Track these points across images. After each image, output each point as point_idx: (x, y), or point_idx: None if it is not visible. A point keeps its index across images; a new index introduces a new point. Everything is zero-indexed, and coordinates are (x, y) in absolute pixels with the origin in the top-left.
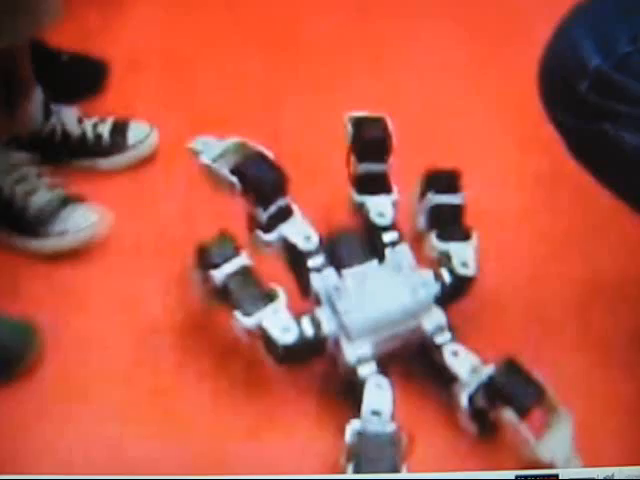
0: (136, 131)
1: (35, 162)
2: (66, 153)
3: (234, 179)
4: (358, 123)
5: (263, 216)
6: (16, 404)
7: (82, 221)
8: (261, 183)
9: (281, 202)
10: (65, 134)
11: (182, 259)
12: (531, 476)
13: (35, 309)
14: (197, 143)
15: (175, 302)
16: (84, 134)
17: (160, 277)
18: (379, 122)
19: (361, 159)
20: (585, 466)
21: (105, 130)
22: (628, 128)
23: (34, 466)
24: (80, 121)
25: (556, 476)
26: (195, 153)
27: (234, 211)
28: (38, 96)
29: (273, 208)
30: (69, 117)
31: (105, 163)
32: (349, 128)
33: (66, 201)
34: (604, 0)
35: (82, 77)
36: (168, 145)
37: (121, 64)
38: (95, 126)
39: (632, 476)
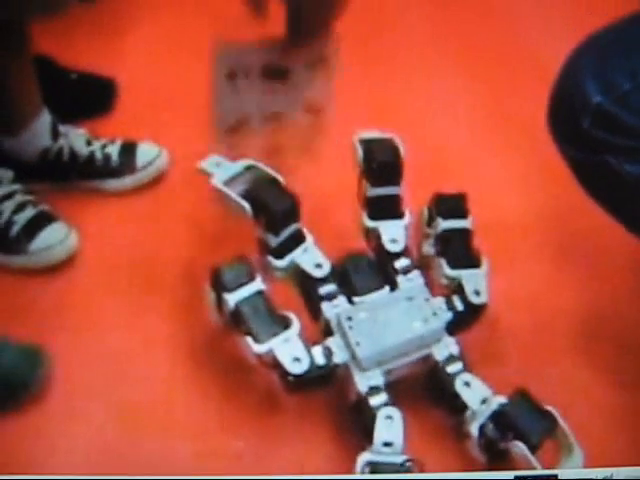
0: (145, 153)
1: (16, 179)
2: (74, 174)
3: (245, 204)
4: (368, 145)
5: (274, 242)
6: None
7: (62, 237)
8: (272, 209)
9: (293, 228)
10: (73, 154)
11: (192, 280)
12: (530, 476)
13: (38, 329)
14: (208, 164)
15: (184, 324)
16: (92, 155)
17: (168, 298)
18: (389, 143)
19: (373, 183)
20: (584, 466)
21: (114, 151)
22: (629, 160)
23: None
24: (89, 142)
25: (555, 476)
26: (206, 174)
27: (246, 235)
28: (46, 116)
29: (284, 234)
30: (77, 138)
31: (114, 184)
32: (359, 150)
33: (49, 217)
34: (606, 39)
35: (91, 96)
36: (177, 167)
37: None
38: (104, 147)
39: (631, 476)
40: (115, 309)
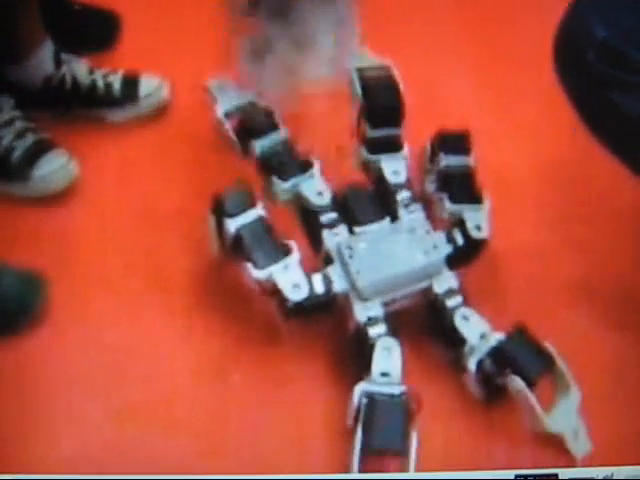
0: (147, 83)
1: (17, 107)
2: (76, 102)
3: (237, 142)
4: (367, 81)
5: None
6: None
7: (63, 164)
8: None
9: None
10: (75, 83)
11: (193, 210)
12: (531, 476)
13: (36, 257)
14: (213, 86)
15: (186, 252)
16: (94, 84)
17: (168, 227)
18: (389, 80)
19: (373, 125)
20: (584, 466)
21: (116, 81)
22: (632, 96)
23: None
24: (91, 71)
25: (556, 475)
26: (210, 96)
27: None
28: (48, 44)
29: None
30: (79, 67)
31: (115, 114)
32: (357, 84)
33: (50, 144)
34: None
35: (94, 28)
36: (179, 99)
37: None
38: (106, 77)
39: (631, 476)
40: (115, 238)
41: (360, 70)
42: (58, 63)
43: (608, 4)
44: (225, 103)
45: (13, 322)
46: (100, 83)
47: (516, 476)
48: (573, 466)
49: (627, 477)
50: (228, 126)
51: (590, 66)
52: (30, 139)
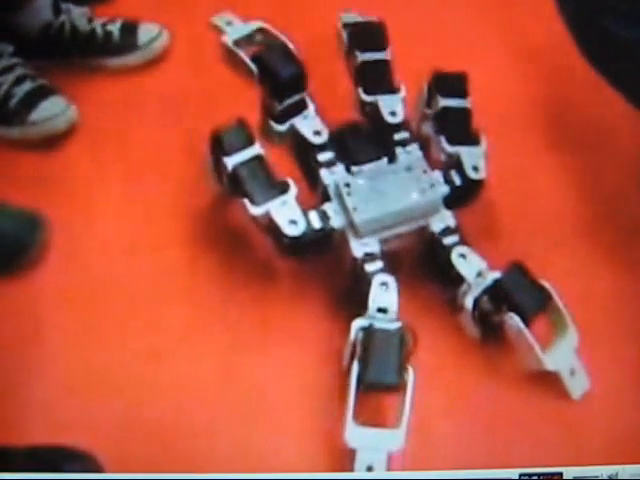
0: (146, 32)
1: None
2: (75, 50)
3: (254, 67)
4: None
5: (278, 108)
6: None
7: (62, 109)
8: (281, 76)
9: (297, 97)
10: (74, 30)
11: (193, 150)
12: (535, 474)
13: (35, 199)
14: (220, 20)
15: (185, 192)
16: (93, 31)
17: (167, 168)
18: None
19: (360, 50)
20: (589, 465)
21: (115, 29)
22: (626, 22)
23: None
24: (90, 20)
25: (560, 474)
26: (218, 30)
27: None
28: None
29: (288, 101)
30: (79, 15)
31: (114, 62)
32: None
33: (49, 90)
34: None
35: None
36: (178, 47)
37: None
38: (105, 25)
39: (636, 475)
40: (114, 181)
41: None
42: (57, 11)
43: None
44: (233, 33)
45: (11, 261)
46: (99, 31)
47: (520, 475)
48: (577, 465)
49: (632, 476)
50: (242, 54)
51: None
52: (29, 85)
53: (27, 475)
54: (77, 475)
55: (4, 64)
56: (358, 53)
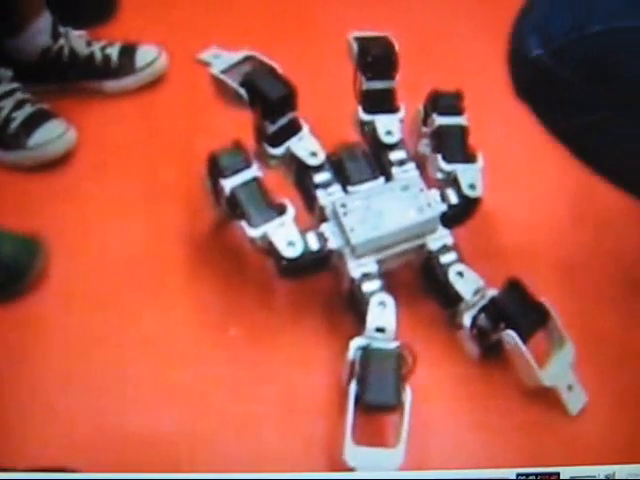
0: (144, 54)
1: (15, 79)
2: (74, 74)
3: (243, 91)
4: (363, 41)
5: (270, 129)
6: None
7: (61, 132)
8: (270, 96)
9: (289, 116)
10: (73, 54)
11: (193, 171)
12: (532, 474)
13: (36, 222)
14: (207, 55)
15: (184, 214)
16: (92, 55)
17: (166, 191)
18: (384, 40)
19: (368, 77)
20: (586, 465)
21: (113, 52)
22: (561, 113)
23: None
24: (88, 43)
25: (557, 474)
26: (205, 64)
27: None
28: (47, 15)
29: (281, 122)
30: (77, 39)
31: (113, 85)
32: (354, 47)
33: (48, 114)
34: None
35: (92, 1)
36: (176, 70)
37: None
38: (103, 48)
39: (633, 475)
40: (114, 203)
41: (358, 37)
42: (56, 35)
43: (546, 20)
44: (220, 64)
45: (10, 286)
46: (98, 55)
47: (517, 475)
48: (575, 465)
49: (629, 476)
50: (230, 81)
51: (529, 87)
52: (29, 109)
53: (26, 475)
54: (76, 475)
55: (4, 89)
56: (364, 80)
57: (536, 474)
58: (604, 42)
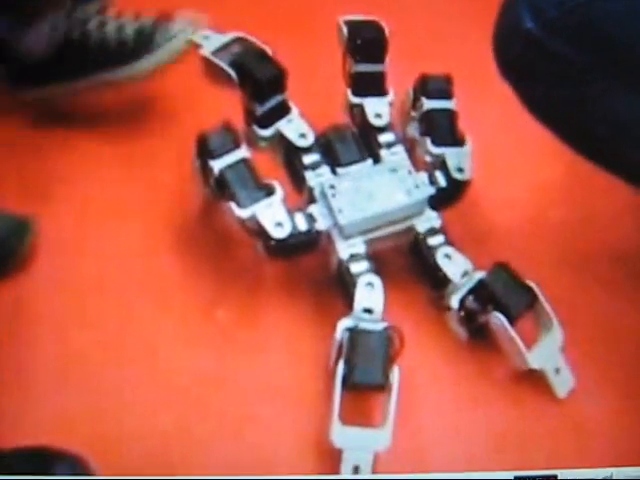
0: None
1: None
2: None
3: (232, 72)
4: (353, 25)
5: (259, 111)
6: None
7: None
8: (259, 77)
9: (279, 98)
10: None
11: (183, 152)
12: (530, 477)
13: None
14: (198, 36)
15: (174, 195)
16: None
17: (154, 172)
18: (374, 24)
19: (357, 60)
20: (583, 467)
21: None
22: (556, 86)
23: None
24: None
25: (555, 476)
26: (195, 46)
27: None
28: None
29: (270, 103)
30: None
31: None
32: (344, 30)
33: (156, 21)
34: None
35: None
36: None
37: None
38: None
39: (631, 476)
40: (106, 185)
41: (348, 20)
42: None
43: None
44: (210, 45)
45: (2, 264)
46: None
47: (515, 477)
48: (572, 467)
49: (627, 477)
50: (219, 62)
51: (518, 59)
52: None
53: (19, 477)
54: (67, 477)
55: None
56: (353, 62)
57: (534, 477)
58: (596, 10)
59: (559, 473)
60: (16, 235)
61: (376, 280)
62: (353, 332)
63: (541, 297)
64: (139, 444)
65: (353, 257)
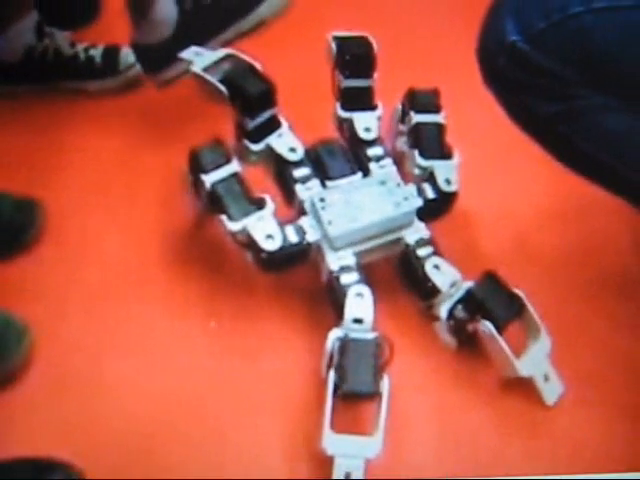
0: (127, 56)
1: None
2: (57, 74)
3: (223, 88)
4: (342, 41)
5: (250, 125)
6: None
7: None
8: (250, 93)
9: (269, 113)
10: (57, 53)
11: (175, 166)
12: None
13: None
14: (189, 52)
15: (166, 209)
16: (76, 55)
17: (149, 187)
18: (363, 40)
19: (346, 75)
20: (573, 473)
21: (97, 54)
22: (541, 99)
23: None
24: (72, 44)
25: None
26: (186, 62)
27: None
28: (33, 15)
29: (260, 118)
30: (62, 39)
31: (96, 85)
32: (333, 46)
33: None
34: None
35: (77, 4)
36: None
37: None
38: (87, 49)
39: None
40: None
41: (337, 36)
42: (41, 34)
43: (521, 6)
44: (201, 61)
45: (10, 245)
46: (82, 55)
47: None
48: (562, 474)
49: None
50: (210, 78)
51: (502, 71)
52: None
53: None
54: None
55: None
56: (342, 78)
57: None
58: (584, 24)
59: None
60: (25, 213)
61: (366, 291)
62: (344, 342)
63: (529, 306)
64: (129, 449)
65: (343, 268)
